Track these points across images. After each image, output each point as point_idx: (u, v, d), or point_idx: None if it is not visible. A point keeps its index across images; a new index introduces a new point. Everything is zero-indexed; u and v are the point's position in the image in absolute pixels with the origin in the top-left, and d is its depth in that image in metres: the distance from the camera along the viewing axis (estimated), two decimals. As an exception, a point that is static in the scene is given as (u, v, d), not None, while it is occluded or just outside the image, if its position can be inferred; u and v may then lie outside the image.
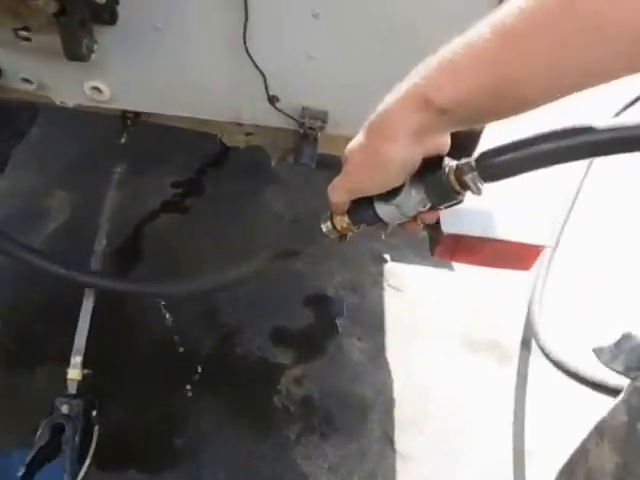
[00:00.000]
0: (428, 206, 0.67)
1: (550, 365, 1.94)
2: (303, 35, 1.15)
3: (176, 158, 2.41)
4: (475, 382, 1.94)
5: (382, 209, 0.69)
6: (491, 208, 1.51)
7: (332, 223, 0.75)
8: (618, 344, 0.91)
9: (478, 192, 0.63)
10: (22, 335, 1.80)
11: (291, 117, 1.33)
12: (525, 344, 2.08)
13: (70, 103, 1.41)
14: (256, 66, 1.21)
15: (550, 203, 1.82)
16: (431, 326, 2.05)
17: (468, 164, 0.62)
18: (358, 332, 1.98)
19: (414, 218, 0.70)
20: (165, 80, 1.30)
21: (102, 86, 1.33)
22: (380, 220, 0.70)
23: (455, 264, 2.10)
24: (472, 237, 1.45)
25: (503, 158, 0.60)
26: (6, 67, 1.33)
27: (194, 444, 1.61)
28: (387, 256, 2.25)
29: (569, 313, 2.18)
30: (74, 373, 1.45)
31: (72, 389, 1.44)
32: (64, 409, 1.42)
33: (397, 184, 0.65)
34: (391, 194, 0.66)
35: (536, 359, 2.01)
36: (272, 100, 1.30)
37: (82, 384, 1.45)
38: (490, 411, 1.87)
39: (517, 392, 1.94)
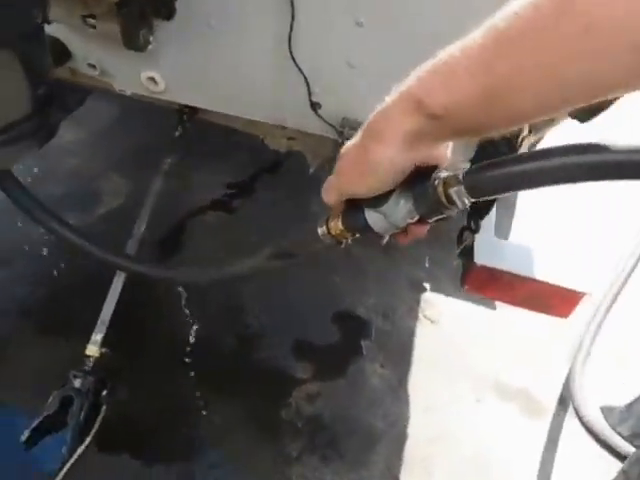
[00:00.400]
0: (416, 217, 0.66)
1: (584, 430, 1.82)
2: (345, 43, 1.16)
3: (233, 159, 2.49)
4: (499, 432, 1.84)
5: (371, 216, 0.68)
6: (533, 245, 1.45)
7: (327, 227, 0.74)
8: (630, 407, 0.84)
9: (463, 207, 0.61)
10: (53, 306, 1.89)
11: (331, 125, 1.35)
12: (562, 402, 1.97)
13: (128, 91, 1.50)
14: (300, 70, 1.24)
15: (604, 247, 1.72)
16: (461, 364, 1.98)
17: (455, 177, 0.60)
18: (382, 358, 1.94)
19: (404, 230, 0.69)
20: (215, 77, 1.35)
21: (157, 77, 1.41)
22: (370, 229, 0.69)
23: (498, 302, 2.03)
24: (506, 272, 1.40)
25: (491, 173, 0.58)
26: (76, 51, 1.43)
27: (194, 442, 1.62)
28: (427, 285, 2.20)
29: (615, 376, 2.04)
30: (92, 350, 1.51)
31: (87, 365, 1.50)
32: (76, 383, 1.48)
33: (385, 189, 0.63)
34: (380, 200, 0.65)
35: (571, 420, 1.89)
36: (314, 107, 1.32)
37: (98, 362, 1.50)
38: (511, 467, 1.77)
39: (544, 452, 1.83)
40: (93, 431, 1.51)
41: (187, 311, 1.90)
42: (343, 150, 0.65)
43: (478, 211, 1.33)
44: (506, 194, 0.59)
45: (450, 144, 0.65)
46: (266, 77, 1.30)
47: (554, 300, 1.43)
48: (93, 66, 1.46)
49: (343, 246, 0.77)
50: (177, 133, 1.73)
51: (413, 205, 0.64)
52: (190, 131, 1.69)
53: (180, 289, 1.92)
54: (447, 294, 2.17)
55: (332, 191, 0.68)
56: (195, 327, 1.86)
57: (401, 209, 0.65)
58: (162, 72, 1.39)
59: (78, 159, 2.21)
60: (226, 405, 1.71)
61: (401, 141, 0.58)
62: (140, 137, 2.40)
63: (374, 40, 1.13)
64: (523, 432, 1.86)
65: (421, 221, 0.66)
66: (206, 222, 2.25)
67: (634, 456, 0.76)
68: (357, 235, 0.73)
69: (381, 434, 1.73)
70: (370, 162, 0.61)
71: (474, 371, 1.98)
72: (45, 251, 2.00)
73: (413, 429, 1.77)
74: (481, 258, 1.39)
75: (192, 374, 1.77)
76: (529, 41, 0.47)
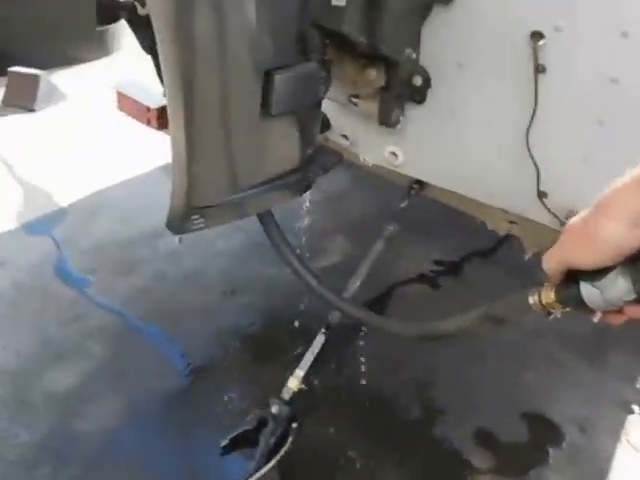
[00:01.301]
0: (633, 297, 0.66)
1: None
2: (584, 139, 1.23)
3: (445, 238, 2.61)
4: None
5: (586, 290, 0.69)
6: None
7: (539, 296, 0.77)
8: None
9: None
10: (269, 335, 2.18)
11: (556, 216, 1.39)
12: None
13: (370, 162, 1.73)
14: (533, 160, 1.33)
15: None
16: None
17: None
18: (570, 474, 1.80)
19: (619, 310, 0.69)
20: (449, 157, 1.51)
21: (399, 152, 1.61)
22: (583, 302, 0.70)
23: None
24: None
25: None
26: (334, 123, 1.72)
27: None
28: (636, 408, 2.00)
29: None
30: (293, 383, 1.68)
31: (286, 395, 1.67)
32: (274, 409, 1.65)
33: (607, 264, 0.66)
34: (598, 275, 0.67)
35: None
36: (541, 195, 1.38)
37: (295, 395, 1.67)
38: None
39: None
40: (278, 456, 1.66)
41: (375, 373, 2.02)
42: (570, 222, 0.69)
43: None
44: None
45: None
46: (498, 162, 1.41)
47: None
48: (346, 137, 1.73)
49: (551, 318, 0.79)
50: (402, 205, 1.92)
51: (632, 285, 0.65)
52: (414, 206, 1.86)
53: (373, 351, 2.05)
54: (660, 423, 1.95)
55: (553, 259, 0.72)
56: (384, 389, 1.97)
57: (619, 287, 0.66)
58: (404, 148, 1.60)
59: (311, 217, 2.54)
60: (394, 470, 1.75)
61: (629, 220, 0.61)
62: (367, 205, 2.67)
63: (614, 139, 1.18)
64: None
65: (638, 302, 0.67)
66: (411, 293, 2.38)
67: None
68: (567, 309, 0.74)
69: None
70: (595, 235, 0.64)
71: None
72: (271, 286, 2.32)
73: None
74: None
75: (374, 432, 1.85)
76: None
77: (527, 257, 1.57)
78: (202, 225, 1.29)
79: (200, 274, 2.45)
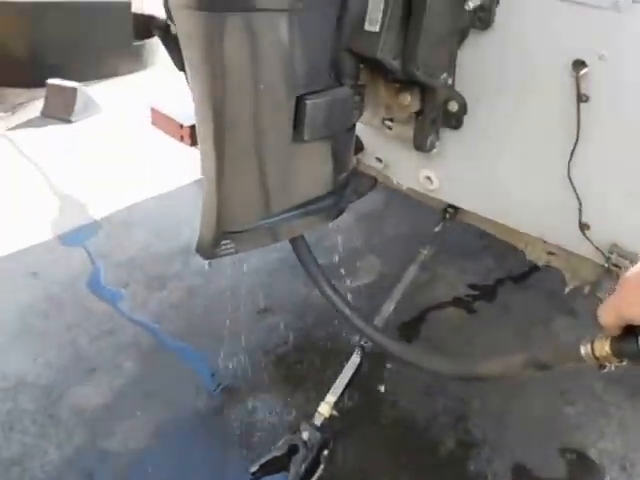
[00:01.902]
0: None
1: None
2: (629, 172, 1.19)
3: (480, 261, 2.58)
4: None
5: None
6: None
7: (592, 347, 0.74)
8: None
9: None
10: (300, 357, 2.18)
11: (598, 249, 1.36)
12: None
13: (404, 186, 1.72)
14: (575, 191, 1.30)
15: None
16: None
17: None
18: (611, 515, 1.75)
19: None
20: (486, 184, 1.49)
21: (433, 176, 1.60)
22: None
23: None
24: None
25: None
26: (368, 146, 1.72)
27: None
28: (681, 448, 1.93)
29: None
30: (324, 409, 1.67)
31: (317, 421, 1.66)
32: (304, 435, 1.64)
33: None
34: None
35: None
36: (582, 227, 1.35)
37: (327, 421, 1.65)
38: None
39: None
40: (308, 484, 1.65)
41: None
42: (629, 273, 0.67)
43: None
44: None
45: None
46: (537, 191, 1.38)
47: None
48: (379, 160, 1.73)
49: (605, 371, 0.77)
50: (437, 229, 1.90)
51: None
52: (449, 229, 1.85)
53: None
54: None
55: (610, 312, 0.69)
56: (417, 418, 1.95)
57: None
58: (439, 172, 1.58)
59: (342, 236, 2.54)
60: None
61: None
62: (400, 224, 2.66)
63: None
64: None
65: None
66: (446, 317, 2.35)
67: None
68: (623, 362, 0.73)
69: None
70: None
71: None
72: (303, 306, 2.33)
73: None
74: None
75: (398, 460, 1.83)
76: None
77: (567, 290, 1.53)
78: (232, 250, 1.30)
79: (232, 291, 2.47)
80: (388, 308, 1.82)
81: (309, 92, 1.14)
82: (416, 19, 1.13)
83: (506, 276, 2.58)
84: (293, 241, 1.43)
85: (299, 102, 1.13)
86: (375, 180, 1.51)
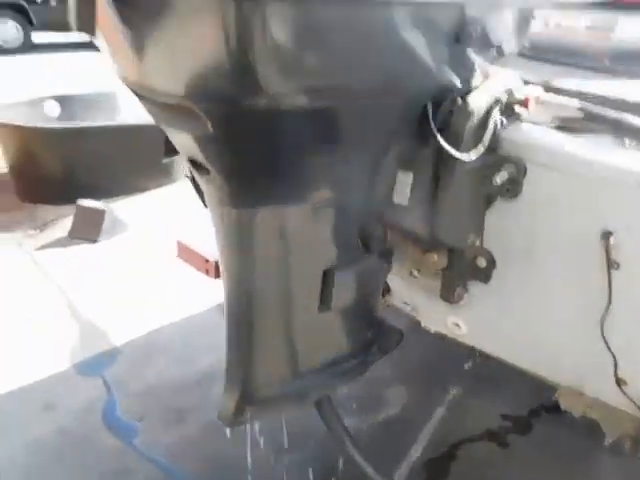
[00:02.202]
0: None
1: None
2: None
3: (512, 390, 2.49)
4: None
5: None
6: None
7: None
8: None
9: None
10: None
11: (636, 404, 1.33)
12: None
13: (432, 329, 1.72)
14: (609, 348, 1.29)
15: None
16: None
17: None
18: None
19: None
20: (517, 334, 1.49)
21: (462, 324, 1.60)
22: None
23: None
24: None
25: None
26: (395, 289, 1.74)
27: None
28: None
29: None
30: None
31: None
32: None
33: None
34: None
35: None
36: (619, 382, 1.33)
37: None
38: None
39: None
40: None
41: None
42: None
43: None
44: None
45: None
46: (570, 345, 1.38)
47: None
48: (407, 303, 1.74)
49: None
50: (467, 366, 1.88)
51: None
52: (479, 365, 1.82)
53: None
54: None
55: None
56: None
57: None
58: (467, 320, 1.59)
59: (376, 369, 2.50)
60: None
61: None
62: (427, 352, 2.61)
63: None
64: None
65: None
66: (477, 453, 2.25)
67: None
68: None
69: None
70: None
71: None
72: (325, 444, 2.25)
73: None
74: None
75: None
76: None
77: (607, 442, 1.48)
78: (256, 418, 1.29)
79: (251, 428, 2.41)
80: (415, 452, 1.78)
81: (337, 264, 1.18)
82: (443, 193, 1.18)
83: (540, 406, 2.48)
84: (318, 403, 1.42)
85: (326, 275, 1.16)
86: (402, 335, 1.51)
